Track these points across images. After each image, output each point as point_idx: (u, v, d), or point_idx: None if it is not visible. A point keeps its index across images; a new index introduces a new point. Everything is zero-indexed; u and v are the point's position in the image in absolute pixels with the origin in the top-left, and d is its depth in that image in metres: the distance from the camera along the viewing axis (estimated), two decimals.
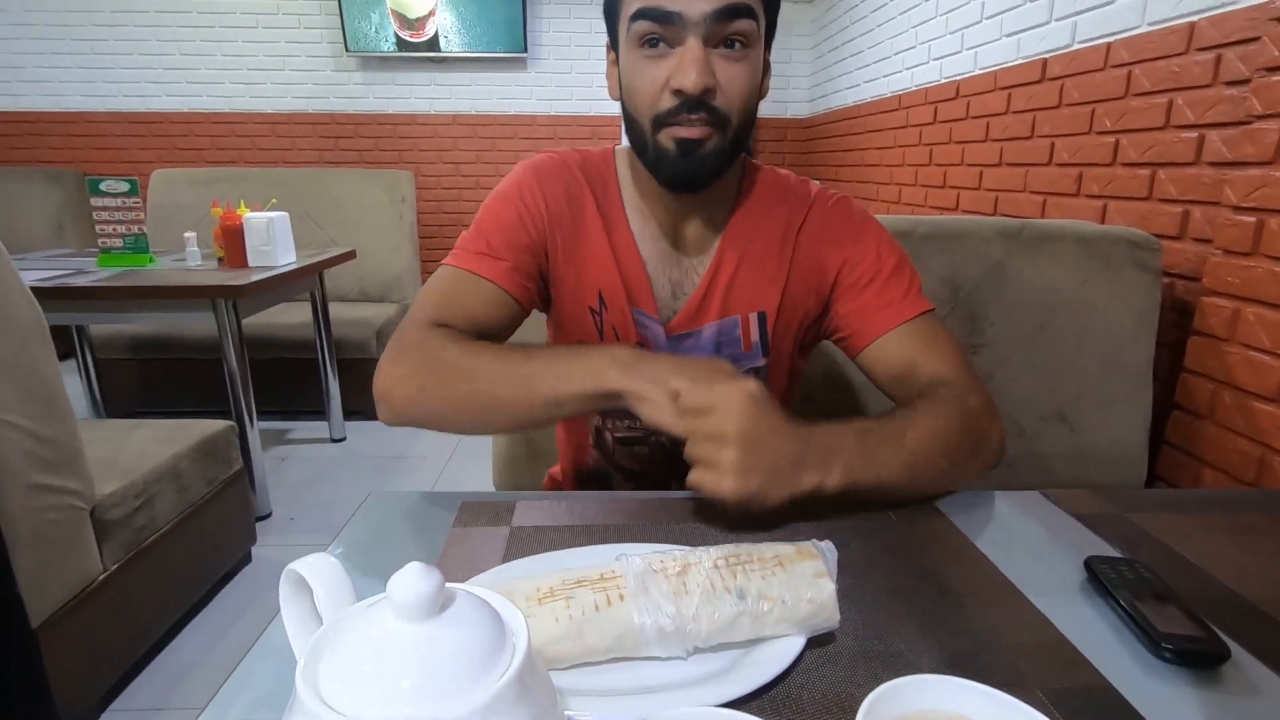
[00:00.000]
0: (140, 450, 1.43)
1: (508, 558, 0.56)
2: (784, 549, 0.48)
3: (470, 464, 2.42)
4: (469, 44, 3.53)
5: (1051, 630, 0.49)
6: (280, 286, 2.06)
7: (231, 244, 2.07)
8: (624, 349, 0.64)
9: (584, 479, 0.88)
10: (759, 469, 0.56)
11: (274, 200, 2.39)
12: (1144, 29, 1.33)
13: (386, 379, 0.67)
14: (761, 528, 0.60)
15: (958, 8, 2.08)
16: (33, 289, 1.10)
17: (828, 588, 0.45)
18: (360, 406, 2.72)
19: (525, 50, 3.54)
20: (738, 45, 0.64)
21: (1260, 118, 0.99)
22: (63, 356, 1.19)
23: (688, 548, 0.49)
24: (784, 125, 3.81)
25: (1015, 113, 1.77)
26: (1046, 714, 0.32)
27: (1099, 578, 0.53)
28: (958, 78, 2.08)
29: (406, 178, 3.23)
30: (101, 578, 1.24)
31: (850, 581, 0.52)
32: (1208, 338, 1.08)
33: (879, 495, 0.62)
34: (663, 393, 0.59)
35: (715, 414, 0.57)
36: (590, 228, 0.75)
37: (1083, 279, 1.09)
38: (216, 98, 3.64)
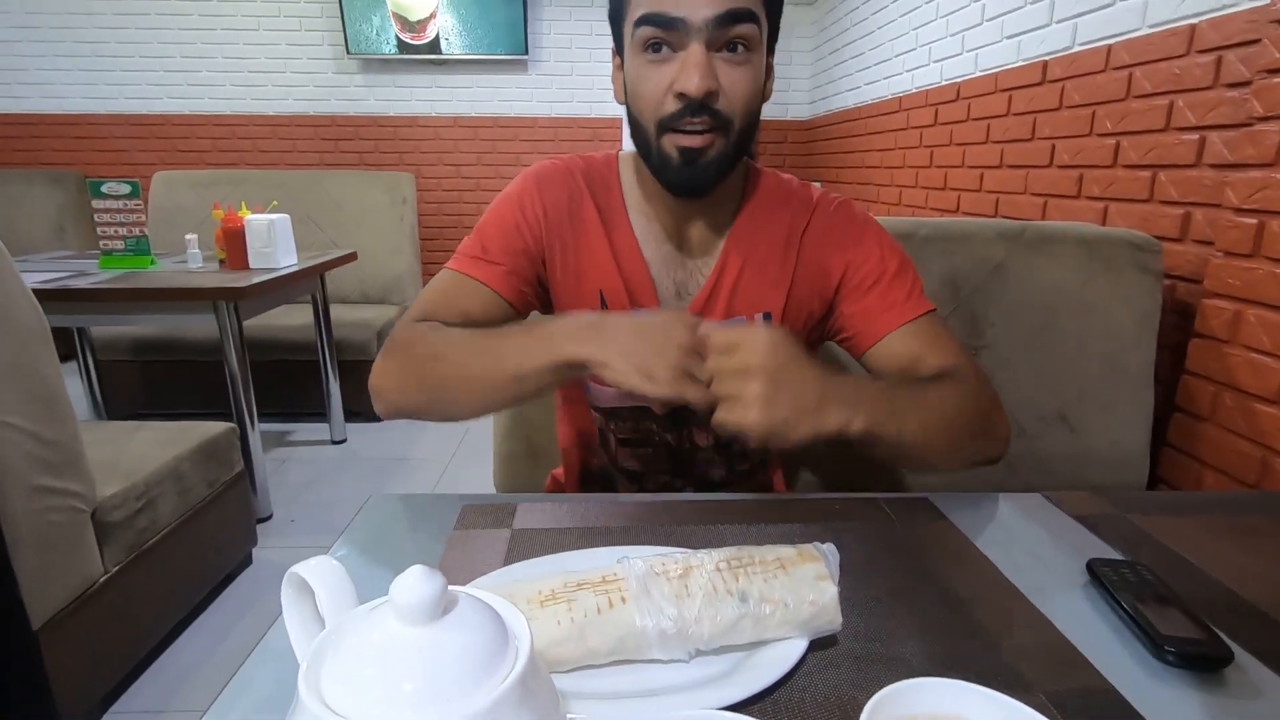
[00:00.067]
0: (141, 452, 1.43)
1: (509, 560, 0.56)
2: (786, 551, 0.48)
3: (471, 465, 2.41)
4: (470, 46, 3.54)
5: (1053, 633, 0.49)
6: (281, 288, 2.06)
7: (233, 246, 2.07)
8: (583, 317, 0.64)
9: (586, 480, 0.88)
10: (784, 403, 0.56)
11: (275, 202, 2.39)
12: (1144, 31, 1.33)
13: (378, 374, 0.70)
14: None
15: (958, 10, 2.09)
16: (34, 291, 1.11)
17: (830, 590, 0.45)
18: (361, 408, 2.72)
19: (526, 52, 3.55)
20: (740, 49, 0.65)
21: (1261, 120, 0.99)
22: (64, 358, 1.19)
23: (689, 550, 0.49)
24: (784, 127, 3.81)
25: (1016, 115, 1.77)
26: (1048, 717, 0.32)
27: (1101, 580, 0.53)
28: (958, 80, 2.08)
29: (407, 180, 3.23)
30: (102, 580, 1.24)
31: (852, 584, 0.52)
32: (1209, 339, 1.08)
33: (896, 453, 0.64)
34: (622, 356, 0.59)
35: (741, 350, 0.58)
36: (591, 232, 0.76)
37: (1084, 281, 1.09)
38: (218, 100, 3.64)
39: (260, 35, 3.57)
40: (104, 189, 2.03)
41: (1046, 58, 1.64)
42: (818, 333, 0.81)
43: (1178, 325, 1.17)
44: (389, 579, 0.28)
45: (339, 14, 3.47)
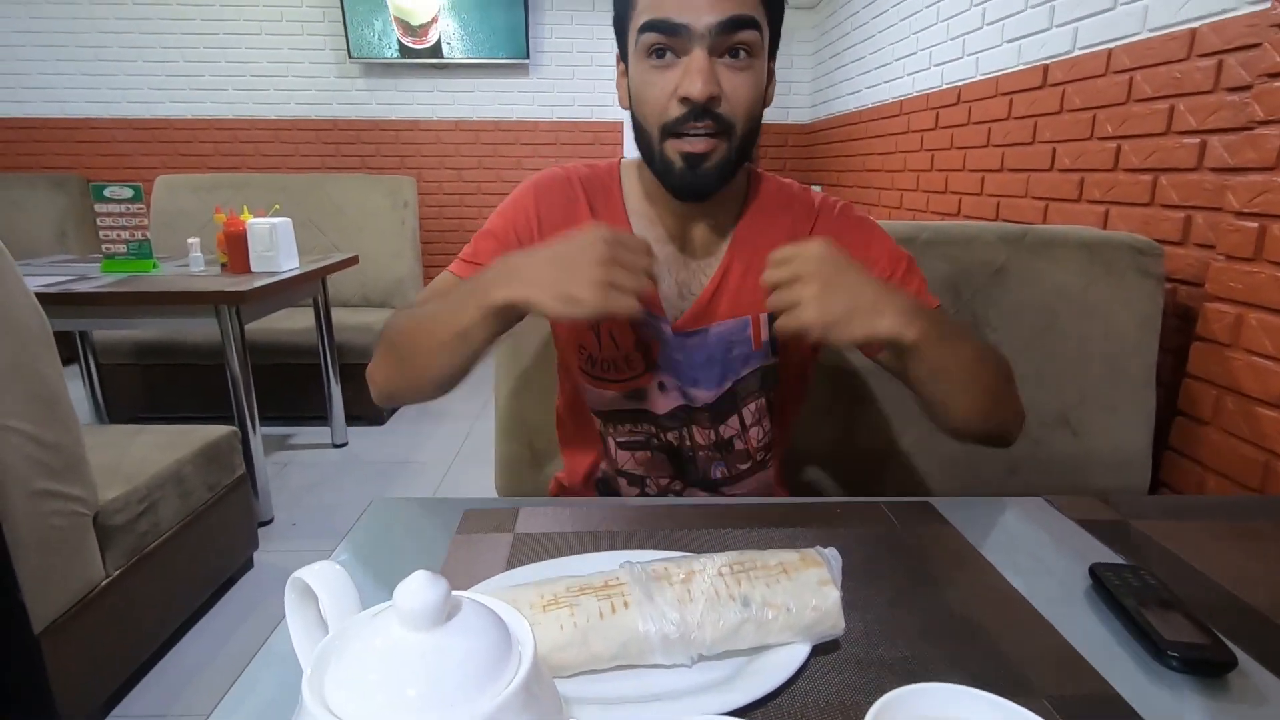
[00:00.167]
0: (143, 456, 1.43)
1: (511, 565, 0.56)
2: (788, 556, 0.48)
3: (473, 469, 2.41)
4: (471, 50, 3.55)
5: (1057, 638, 0.48)
6: (283, 292, 2.07)
7: (234, 250, 2.08)
8: (506, 260, 0.64)
9: (588, 483, 0.88)
10: (838, 302, 0.58)
11: (277, 206, 2.40)
12: (1145, 35, 1.33)
13: (370, 367, 0.75)
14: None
15: (959, 14, 2.09)
16: (37, 295, 1.11)
17: (832, 595, 0.45)
18: (362, 412, 2.72)
19: (527, 56, 3.56)
20: (742, 55, 0.66)
21: (1262, 123, 0.99)
22: (66, 362, 1.19)
23: (692, 555, 0.49)
24: (785, 131, 3.82)
25: (1017, 118, 1.77)
26: None
27: (1104, 585, 0.53)
28: (959, 83, 2.09)
29: (409, 183, 3.24)
30: (104, 583, 1.24)
31: (854, 588, 0.52)
32: (1211, 343, 1.08)
33: (934, 381, 0.65)
34: (542, 288, 0.59)
35: (796, 259, 0.60)
36: None
37: (1085, 284, 1.09)
38: (220, 104, 3.65)
39: (262, 39, 3.58)
40: (106, 193, 2.03)
41: (1047, 61, 1.64)
42: None
43: (1179, 328, 1.17)
44: (391, 583, 0.28)
45: (341, 18, 3.48)
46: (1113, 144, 1.40)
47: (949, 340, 0.64)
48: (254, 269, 2.07)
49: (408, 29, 3.51)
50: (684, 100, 0.65)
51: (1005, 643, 0.48)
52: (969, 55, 2.03)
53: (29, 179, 3.47)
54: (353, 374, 2.59)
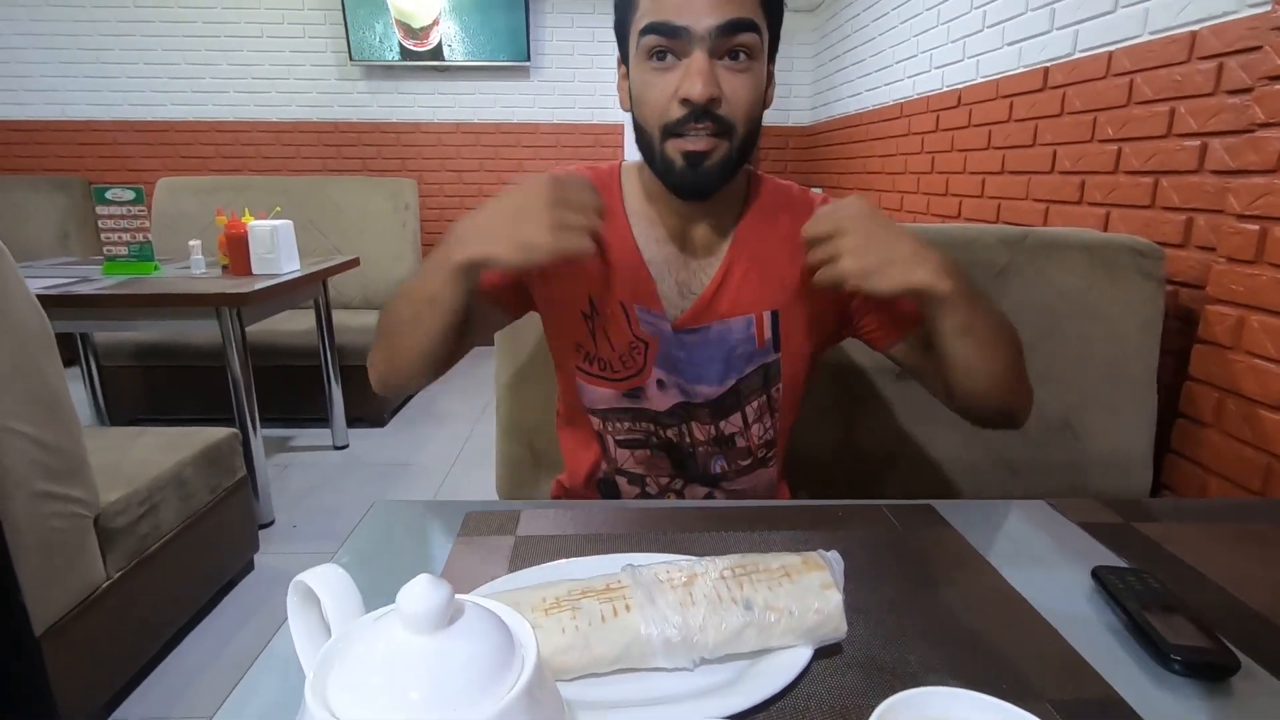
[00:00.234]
0: (144, 458, 1.43)
1: (513, 567, 0.56)
2: (790, 559, 0.48)
3: (474, 471, 2.41)
4: (472, 53, 3.55)
5: (1059, 641, 0.48)
6: (284, 294, 2.07)
7: (236, 252, 2.08)
8: (462, 221, 0.67)
9: (590, 485, 0.88)
10: (874, 253, 0.62)
11: (278, 208, 2.40)
12: (1145, 38, 1.33)
13: (369, 356, 0.78)
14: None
15: (959, 16, 2.09)
16: (38, 296, 1.11)
17: (835, 598, 0.45)
18: (363, 414, 2.73)
19: (528, 59, 3.56)
20: (742, 57, 0.66)
21: (1263, 126, 0.99)
22: (67, 364, 1.19)
23: (694, 558, 0.49)
24: (786, 133, 3.82)
25: (1017, 121, 1.77)
26: None
27: (1106, 588, 0.52)
28: (960, 86, 2.09)
29: (410, 186, 3.24)
30: (105, 585, 1.24)
31: (856, 591, 0.52)
32: (1212, 346, 1.08)
33: (966, 339, 0.67)
34: (497, 241, 0.62)
35: (836, 215, 0.64)
36: None
37: (1086, 287, 1.09)
38: (221, 106, 3.66)
39: (264, 42, 3.59)
40: (108, 195, 2.04)
41: (1048, 64, 1.64)
42: (833, 331, 0.82)
43: (1181, 331, 1.17)
44: (393, 586, 0.28)
45: (342, 21, 3.49)
46: (1113, 146, 1.40)
47: (977, 301, 0.67)
48: (255, 271, 2.08)
49: (409, 32, 3.52)
50: (684, 102, 0.66)
51: (1007, 646, 0.48)
52: (970, 58, 2.04)
53: (31, 181, 3.48)
54: (354, 376, 2.59)
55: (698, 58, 0.65)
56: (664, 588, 0.45)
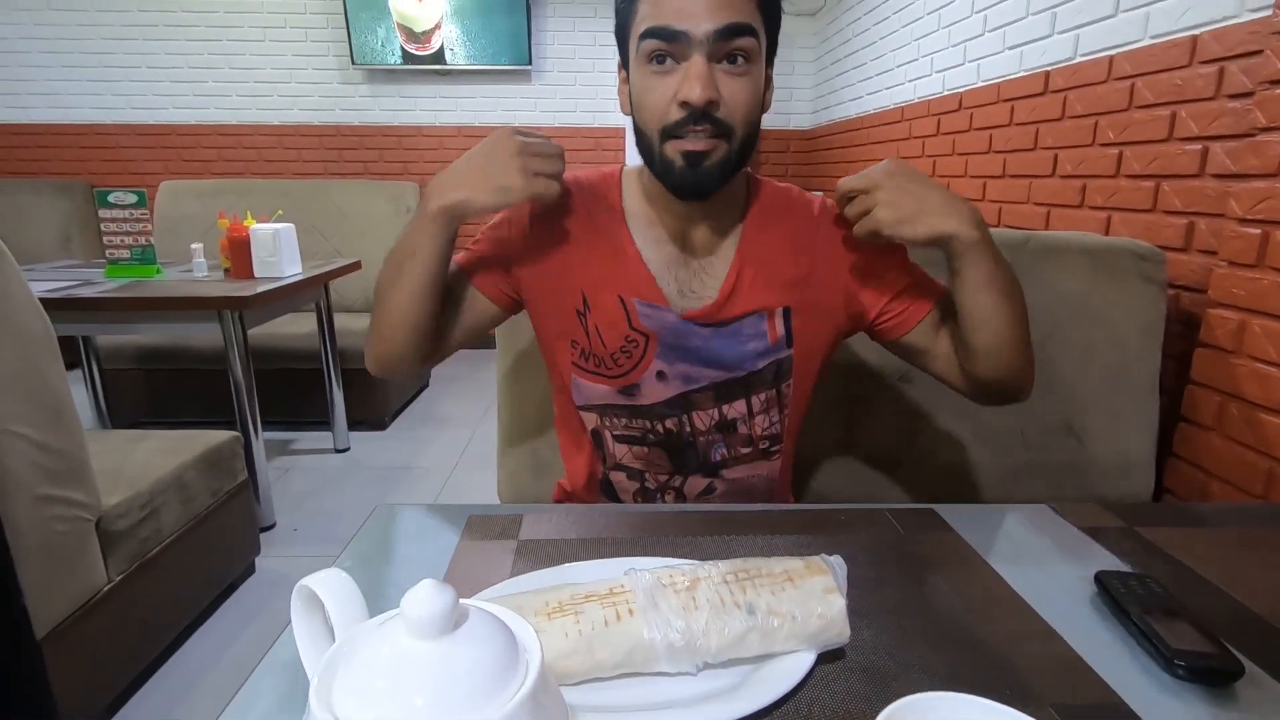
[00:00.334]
0: (145, 461, 1.44)
1: (515, 571, 0.56)
2: (793, 564, 0.48)
3: (475, 475, 2.41)
4: (474, 56, 3.56)
5: (1062, 646, 0.48)
6: (286, 297, 2.07)
7: (238, 255, 2.08)
8: (438, 176, 0.72)
9: (591, 488, 0.88)
10: (906, 203, 0.67)
11: (280, 212, 2.40)
12: (1146, 42, 1.34)
13: (365, 341, 0.81)
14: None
15: (960, 20, 2.10)
16: (41, 300, 1.11)
17: (838, 603, 0.45)
18: (364, 417, 2.73)
19: (530, 63, 3.57)
20: (740, 60, 0.67)
21: (1264, 130, 0.99)
22: (69, 366, 1.20)
23: (696, 562, 0.49)
24: (786, 136, 3.83)
25: (1018, 125, 1.77)
26: None
27: (1110, 593, 0.52)
28: (960, 90, 2.09)
29: (411, 189, 3.25)
30: (106, 589, 1.24)
31: (859, 596, 0.52)
32: (1214, 349, 1.08)
33: (988, 291, 0.70)
34: (472, 188, 0.69)
35: (869, 172, 0.69)
36: (576, 238, 0.79)
37: (1088, 291, 1.09)
38: (224, 110, 3.67)
39: (266, 46, 3.60)
40: (110, 198, 2.04)
41: (1049, 68, 1.65)
42: (845, 327, 0.82)
43: (1182, 335, 1.17)
44: (396, 590, 0.28)
45: (344, 25, 3.49)
46: (1114, 150, 1.40)
47: (1003, 262, 0.71)
48: (257, 274, 2.08)
49: (411, 35, 3.53)
50: (683, 104, 0.67)
51: (1010, 650, 0.47)
52: (970, 62, 2.04)
53: (34, 184, 3.49)
54: (355, 379, 2.59)
55: (696, 61, 0.65)
56: (667, 592, 0.45)
